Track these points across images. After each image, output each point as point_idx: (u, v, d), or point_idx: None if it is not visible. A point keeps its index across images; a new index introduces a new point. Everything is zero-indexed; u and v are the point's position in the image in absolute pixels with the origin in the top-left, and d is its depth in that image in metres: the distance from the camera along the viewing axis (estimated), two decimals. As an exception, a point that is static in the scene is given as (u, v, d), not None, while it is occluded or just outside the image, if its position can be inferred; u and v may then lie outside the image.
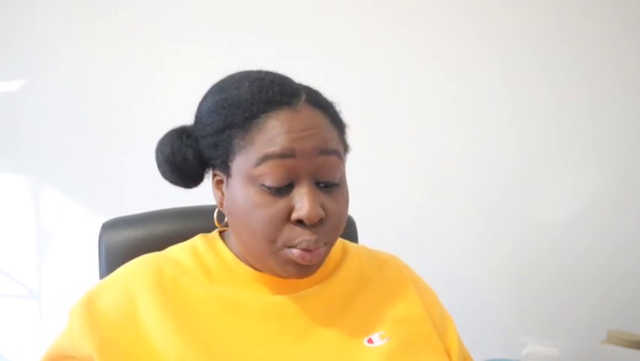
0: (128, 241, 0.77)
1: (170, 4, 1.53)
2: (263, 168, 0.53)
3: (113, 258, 0.76)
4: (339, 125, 0.60)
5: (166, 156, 0.61)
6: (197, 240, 0.65)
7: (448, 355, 0.66)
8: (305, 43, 1.48)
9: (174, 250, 0.64)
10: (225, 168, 0.58)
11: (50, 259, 1.67)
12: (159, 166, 0.63)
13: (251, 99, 0.56)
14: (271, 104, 0.55)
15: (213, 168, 0.61)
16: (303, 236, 0.54)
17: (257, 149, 0.54)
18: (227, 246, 0.64)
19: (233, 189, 0.57)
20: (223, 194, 0.60)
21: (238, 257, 0.62)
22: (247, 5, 1.49)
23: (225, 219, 0.63)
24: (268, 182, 0.54)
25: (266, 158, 0.53)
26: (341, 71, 1.46)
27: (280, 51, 1.47)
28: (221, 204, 0.61)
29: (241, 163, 0.55)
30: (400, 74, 1.45)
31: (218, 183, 0.61)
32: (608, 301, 1.38)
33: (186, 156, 0.60)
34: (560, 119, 1.39)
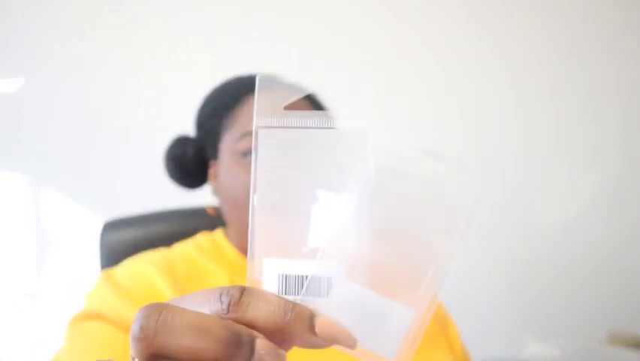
0: (128, 241, 0.77)
1: (171, 5, 1.53)
2: (244, 143, 0.58)
3: (113, 258, 0.76)
4: (321, 110, 0.64)
5: (170, 154, 0.67)
6: (200, 237, 0.67)
7: (453, 351, 0.66)
8: (306, 43, 1.48)
9: (180, 247, 0.66)
10: (215, 151, 0.63)
11: (50, 259, 1.67)
12: (165, 165, 0.69)
13: (235, 85, 0.63)
14: (253, 87, 0.59)
15: (209, 161, 0.66)
16: None
17: (239, 126, 0.59)
18: (230, 241, 0.65)
19: (221, 169, 0.61)
20: (215, 181, 0.65)
21: (242, 252, 0.63)
22: (249, 5, 1.49)
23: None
24: (250, 155, 0.58)
25: (246, 134, 0.58)
26: (341, 71, 1.46)
27: (283, 51, 1.47)
28: (214, 192, 0.66)
29: (227, 141, 0.60)
30: (400, 74, 1.45)
31: (213, 175, 0.65)
32: (609, 300, 1.38)
33: (186, 151, 0.66)
34: (560, 119, 1.39)
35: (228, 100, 0.61)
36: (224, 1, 1.51)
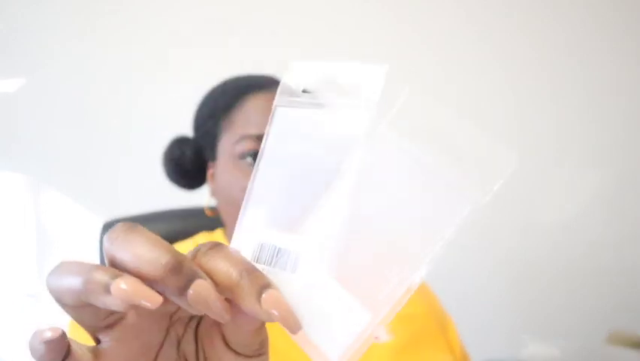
0: (129, 241, 0.77)
1: (171, 5, 1.53)
2: (241, 146, 0.59)
3: (113, 258, 0.75)
4: None
5: (169, 155, 0.67)
6: (200, 237, 0.67)
7: (452, 352, 0.66)
8: (306, 42, 1.48)
9: (180, 247, 0.65)
10: (213, 152, 0.63)
11: (50, 259, 1.67)
12: (164, 167, 0.69)
13: (233, 85, 0.63)
14: (251, 87, 0.61)
15: (208, 162, 0.65)
16: None
17: (236, 128, 0.59)
18: (229, 241, 0.65)
19: (219, 171, 0.62)
20: (214, 183, 0.64)
21: None
22: (249, 5, 1.49)
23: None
24: (247, 157, 0.58)
25: (243, 137, 0.59)
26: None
27: (282, 51, 1.47)
28: (212, 193, 0.65)
29: (225, 143, 0.61)
30: (399, 73, 1.45)
31: (211, 176, 0.65)
32: (609, 300, 1.38)
33: (185, 152, 0.66)
34: (560, 119, 1.39)
35: (226, 100, 0.61)
36: (224, 1, 1.51)
